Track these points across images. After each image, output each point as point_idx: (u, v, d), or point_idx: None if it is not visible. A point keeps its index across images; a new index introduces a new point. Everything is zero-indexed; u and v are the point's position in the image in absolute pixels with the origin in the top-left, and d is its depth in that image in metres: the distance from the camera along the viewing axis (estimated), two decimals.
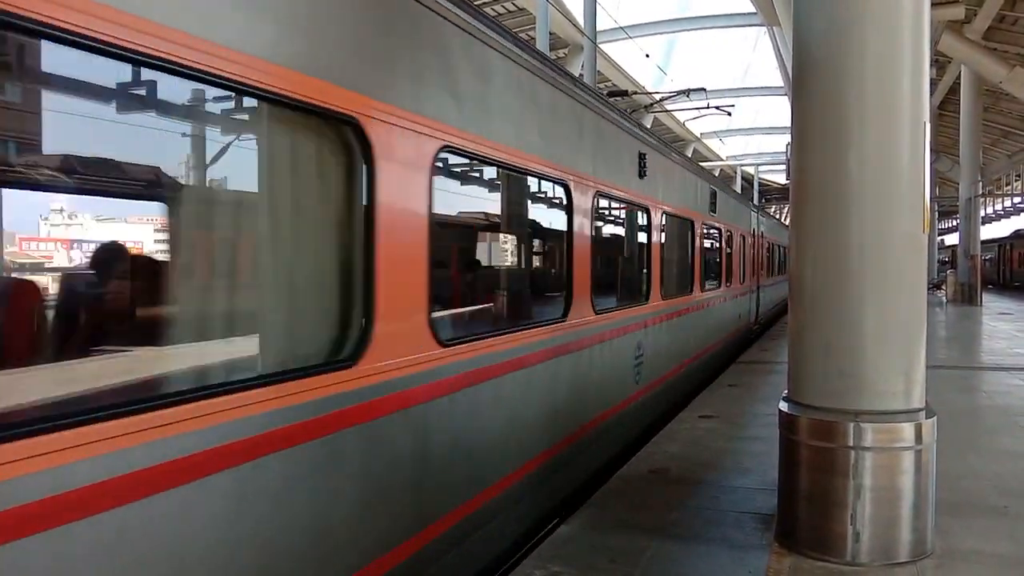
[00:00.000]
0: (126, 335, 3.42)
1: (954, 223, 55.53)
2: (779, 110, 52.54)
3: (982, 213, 40.34)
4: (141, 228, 3.84)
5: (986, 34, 26.36)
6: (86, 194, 3.62)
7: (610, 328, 7.60)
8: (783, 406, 5.47)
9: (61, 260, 4.03)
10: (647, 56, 29.71)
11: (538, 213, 6.99)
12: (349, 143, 3.71)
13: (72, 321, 3.41)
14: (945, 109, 39.39)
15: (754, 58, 57.74)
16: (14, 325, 3.09)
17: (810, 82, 5.41)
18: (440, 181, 4.54)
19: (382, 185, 3.80)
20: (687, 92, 18.48)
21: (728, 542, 5.47)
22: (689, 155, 44.99)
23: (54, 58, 2.66)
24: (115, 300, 3.57)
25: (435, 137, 4.34)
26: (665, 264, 10.04)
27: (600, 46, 24.62)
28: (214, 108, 3.36)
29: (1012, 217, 56.51)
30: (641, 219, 9.30)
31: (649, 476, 7.07)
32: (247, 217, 3.60)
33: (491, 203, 6.41)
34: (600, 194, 7.23)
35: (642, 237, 9.34)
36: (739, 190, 51.47)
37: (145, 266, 3.74)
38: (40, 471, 2.32)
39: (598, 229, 7.71)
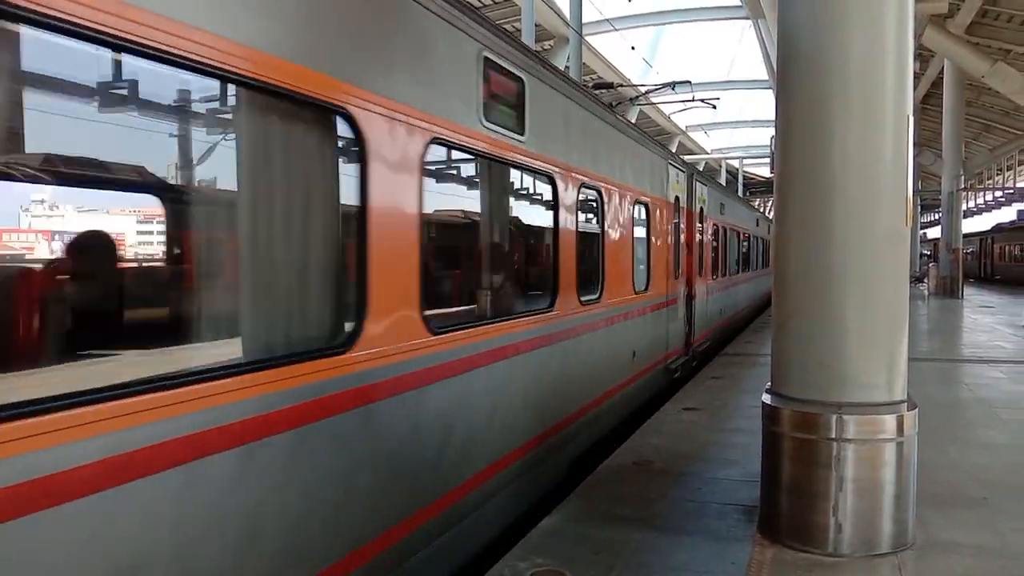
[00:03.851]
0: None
1: (936, 216, 55.97)
2: (764, 103, 52.70)
3: (964, 207, 40.66)
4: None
5: (969, 28, 26.52)
6: None
7: None
8: (766, 398, 5.49)
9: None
10: (632, 48, 29.71)
11: None
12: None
13: None
14: (928, 103, 39.63)
15: (739, 51, 58.03)
16: None
17: (794, 75, 5.42)
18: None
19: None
20: (672, 85, 18.47)
21: (711, 534, 5.49)
22: (674, 148, 45.03)
23: None
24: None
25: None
26: None
27: (586, 38, 24.58)
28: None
29: (993, 211, 56.90)
30: None
31: (633, 468, 7.09)
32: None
33: None
34: None
35: None
36: (723, 183, 51.59)
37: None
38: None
39: None
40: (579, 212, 7.55)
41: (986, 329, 20.10)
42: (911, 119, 5.22)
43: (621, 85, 24.46)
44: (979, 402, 10.26)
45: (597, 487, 6.53)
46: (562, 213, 7.03)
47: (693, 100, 22.32)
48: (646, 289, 10.27)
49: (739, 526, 5.61)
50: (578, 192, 7.45)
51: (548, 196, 6.95)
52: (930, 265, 38.12)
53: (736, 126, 61.13)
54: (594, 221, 8.40)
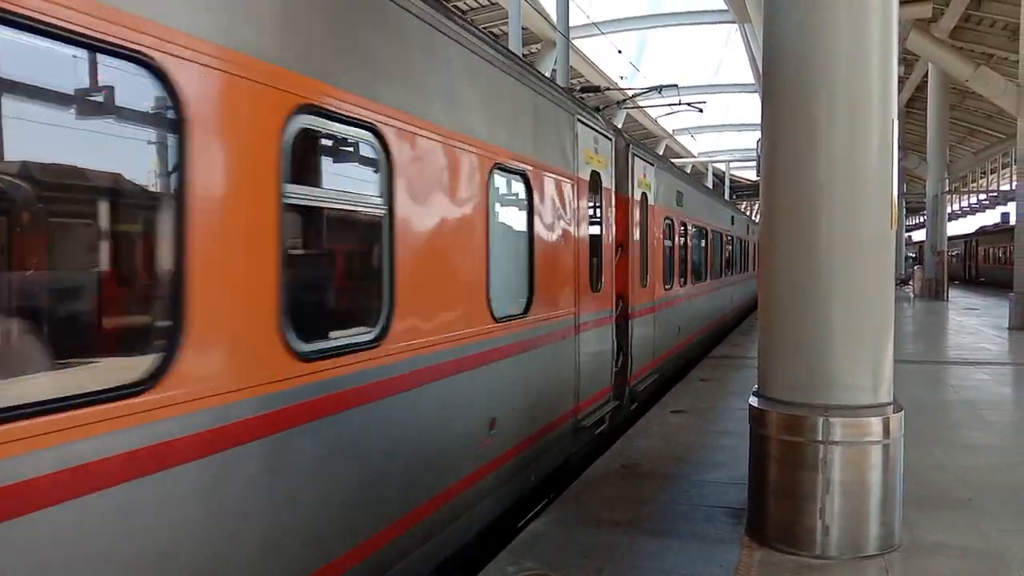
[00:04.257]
0: None
1: (921, 219, 56.40)
2: (750, 106, 52.90)
3: (949, 210, 40.99)
4: None
5: (953, 33, 26.75)
6: None
7: None
8: (753, 401, 5.50)
9: None
10: (619, 52, 29.79)
11: None
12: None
13: None
14: (913, 107, 39.95)
15: (726, 54, 58.30)
16: None
17: (780, 80, 5.44)
18: None
19: None
20: (659, 88, 18.49)
21: (699, 536, 5.50)
22: (661, 151, 45.15)
23: None
24: None
25: None
26: None
27: (573, 42, 24.63)
28: None
29: (978, 213, 57.42)
30: None
31: (621, 471, 7.09)
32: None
33: None
34: None
35: None
36: (711, 186, 51.79)
37: None
38: None
39: None
40: (301, 171, 3.84)
41: (971, 331, 20.24)
42: (896, 123, 5.25)
43: (608, 88, 24.51)
44: (964, 404, 10.32)
45: (585, 491, 6.53)
46: (208, 167, 3.21)
47: (680, 104, 22.38)
48: (525, 312, 6.46)
49: (727, 529, 5.62)
50: (283, 124, 3.59)
51: (155, 124, 3.14)
52: (915, 268, 38.36)
53: (723, 130, 61.36)
54: (367, 193, 4.46)
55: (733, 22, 32.60)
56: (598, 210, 8.69)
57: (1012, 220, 27.65)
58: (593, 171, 8.40)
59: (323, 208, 4.26)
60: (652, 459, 7.48)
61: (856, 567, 4.93)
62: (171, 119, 3.05)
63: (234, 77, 3.31)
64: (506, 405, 6.09)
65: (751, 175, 67.32)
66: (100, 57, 2.81)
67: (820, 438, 5.02)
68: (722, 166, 65.62)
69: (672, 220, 12.76)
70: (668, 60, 54.27)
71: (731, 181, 66.60)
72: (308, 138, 3.95)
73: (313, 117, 3.86)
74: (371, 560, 4.26)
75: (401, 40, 4.66)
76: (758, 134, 5.98)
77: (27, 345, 2.71)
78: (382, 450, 4.43)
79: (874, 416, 5.10)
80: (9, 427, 2.43)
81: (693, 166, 61.07)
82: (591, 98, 17.17)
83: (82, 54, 2.77)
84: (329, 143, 4.32)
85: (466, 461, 5.41)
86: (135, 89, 2.97)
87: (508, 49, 6.60)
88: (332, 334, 4.24)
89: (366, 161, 4.44)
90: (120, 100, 2.98)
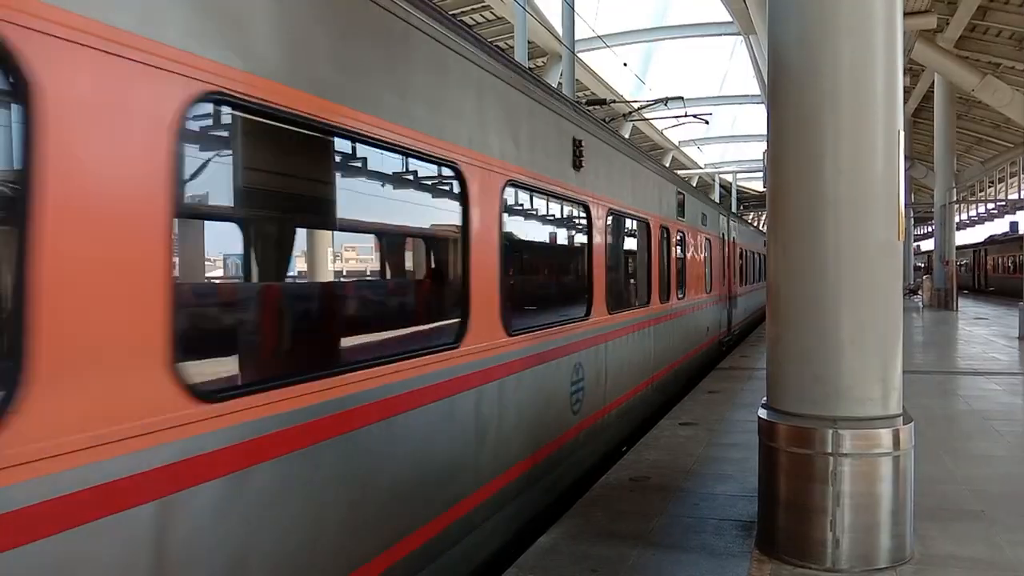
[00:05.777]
0: None
1: (929, 229, 56.23)
2: (756, 118, 52.95)
3: (957, 219, 40.88)
4: None
5: (958, 43, 26.72)
6: None
7: None
8: (762, 413, 5.48)
9: None
10: (625, 65, 29.83)
11: None
12: None
13: None
14: (919, 117, 39.90)
15: (731, 66, 58.16)
16: None
17: (785, 91, 5.44)
18: None
19: None
20: (665, 101, 18.55)
21: (709, 549, 5.47)
22: (667, 164, 45.13)
23: None
24: None
25: None
26: None
27: (578, 55, 24.72)
28: None
29: (986, 223, 57.24)
30: None
31: (630, 484, 7.06)
32: None
33: None
34: None
35: None
36: (717, 198, 51.74)
37: None
38: None
39: None
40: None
41: (981, 341, 20.13)
42: (902, 133, 5.24)
43: (614, 101, 24.55)
44: (975, 414, 10.26)
45: (594, 504, 6.50)
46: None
47: (686, 116, 22.43)
48: None
49: (737, 542, 5.59)
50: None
51: None
52: (924, 277, 38.24)
53: (729, 141, 61.33)
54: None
55: (738, 34, 32.63)
56: None
57: (1021, 229, 27.58)
58: None
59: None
60: (661, 472, 7.45)
61: None
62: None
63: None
64: None
65: (758, 186, 67.38)
66: None
67: (829, 450, 5.00)
68: (729, 177, 65.60)
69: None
70: (674, 72, 54.25)
71: (738, 192, 66.58)
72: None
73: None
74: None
75: None
76: (764, 145, 5.99)
77: None
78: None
79: (884, 427, 5.08)
80: None
81: (700, 177, 61.08)
82: (597, 111, 17.22)
83: None
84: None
85: None
86: None
87: None
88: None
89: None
90: None
